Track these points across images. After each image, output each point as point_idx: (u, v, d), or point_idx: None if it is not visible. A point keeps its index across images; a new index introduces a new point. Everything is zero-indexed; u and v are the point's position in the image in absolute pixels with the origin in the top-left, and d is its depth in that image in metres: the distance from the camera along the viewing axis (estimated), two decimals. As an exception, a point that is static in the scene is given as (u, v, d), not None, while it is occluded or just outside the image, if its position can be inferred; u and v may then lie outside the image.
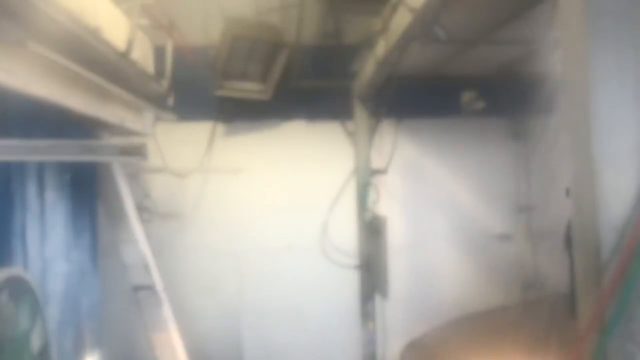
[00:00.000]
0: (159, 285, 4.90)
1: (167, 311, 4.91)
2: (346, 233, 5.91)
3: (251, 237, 5.92)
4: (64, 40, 2.81)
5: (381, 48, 4.03)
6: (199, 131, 5.86)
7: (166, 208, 5.72)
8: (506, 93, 5.73)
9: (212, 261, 5.86)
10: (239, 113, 5.89)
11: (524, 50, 4.97)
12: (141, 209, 5.20)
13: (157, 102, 4.52)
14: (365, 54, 4.74)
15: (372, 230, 5.52)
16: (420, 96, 5.87)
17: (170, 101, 4.69)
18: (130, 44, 3.64)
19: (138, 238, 4.81)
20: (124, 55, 3.60)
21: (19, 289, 1.81)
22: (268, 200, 5.96)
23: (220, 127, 5.96)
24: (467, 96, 5.79)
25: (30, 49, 2.49)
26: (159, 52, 4.80)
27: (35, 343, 1.82)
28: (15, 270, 1.96)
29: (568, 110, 1.64)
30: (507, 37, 4.50)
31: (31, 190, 2.86)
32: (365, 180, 5.65)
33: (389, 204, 5.83)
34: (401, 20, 3.40)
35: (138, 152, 2.24)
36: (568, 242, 1.73)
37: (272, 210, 5.95)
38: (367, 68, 4.77)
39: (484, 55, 5.13)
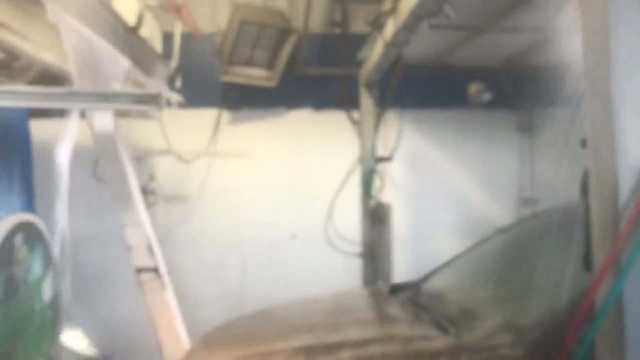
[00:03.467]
0: (163, 267, 4.89)
1: (170, 294, 4.90)
2: (350, 221, 5.90)
3: (255, 225, 5.92)
4: (76, 8, 2.82)
5: (390, 29, 4.04)
6: (204, 118, 5.87)
7: (171, 192, 5.72)
8: (513, 85, 5.74)
9: (216, 248, 5.85)
10: (245, 100, 5.90)
11: (532, 40, 4.97)
12: (146, 192, 5.20)
13: (164, 83, 4.53)
14: (373, 38, 4.75)
15: (376, 218, 5.51)
16: (426, 87, 5.88)
17: (178, 83, 4.70)
18: (140, 19, 3.66)
19: (143, 220, 4.80)
20: (134, 30, 3.62)
21: (32, 235, 1.80)
22: (272, 189, 5.95)
23: (226, 114, 5.97)
24: (474, 88, 5.78)
25: (44, 14, 2.50)
26: (166, 37, 4.83)
27: (47, 292, 1.81)
28: (29, 216, 1.96)
29: (587, 53, 1.65)
30: (516, 24, 4.49)
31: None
32: (370, 167, 5.65)
33: (394, 193, 5.84)
34: (411, -3, 3.41)
35: (153, 101, 2.24)
36: (584, 190, 1.73)
37: (276, 199, 5.95)
38: (375, 51, 4.78)
39: (491, 44, 5.13)
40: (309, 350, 2.75)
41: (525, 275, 3.26)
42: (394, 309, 3.41)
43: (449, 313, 3.00)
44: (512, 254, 3.79)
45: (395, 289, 3.85)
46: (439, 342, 2.66)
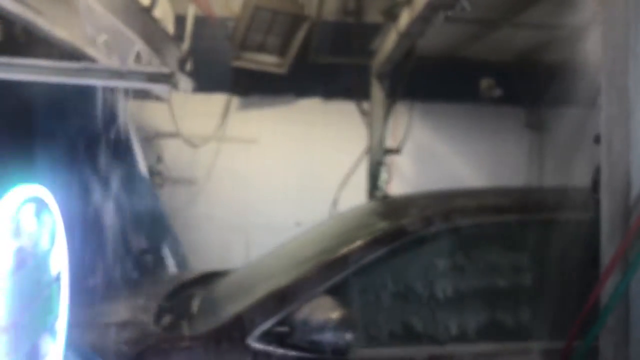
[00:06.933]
0: (166, 250, 4.92)
1: (172, 276, 4.92)
2: (356, 211, 5.89)
3: (260, 211, 5.92)
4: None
5: (404, 19, 4.01)
6: (213, 102, 5.87)
7: (178, 175, 5.74)
8: (523, 82, 5.69)
9: (220, 232, 5.86)
10: (255, 86, 5.89)
11: (546, 36, 4.94)
12: (153, 173, 5.22)
13: (176, 65, 4.52)
14: (387, 28, 4.72)
15: (382, 209, 5.50)
16: (437, 80, 5.84)
17: (189, 66, 4.69)
18: (154, 1, 3.65)
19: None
20: (147, 10, 3.60)
21: (41, 208, 1.79)
22: (279, 176, 5.96)
23: (235, 100, 5.97)
24: (485, 82, 5.75)
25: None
26: (179, 20, 4.81)
27: (54, 266, 1.81)
28: (39, 188, 1.95)
29: (605, 47, 1.64)
30: (532, 20, 4.47)
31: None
32: (378, 159, 5.64)
33: (400, 185, 5.83)
34: (427, -12, 3.39)
35: (166, 80, 2.24)
36: (595, 185, 1.72)
37: (282, 186, 5.95)
38: (388, 42, 4.75)
39: (505, 39, 5.09)
40: None
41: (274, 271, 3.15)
42: (155, 294, 3.18)
43: (197, 303, 2.91)
44: (296, 247, 3.61)
45: (207, 276, 3.64)
46: (136, 332, 2.56)
